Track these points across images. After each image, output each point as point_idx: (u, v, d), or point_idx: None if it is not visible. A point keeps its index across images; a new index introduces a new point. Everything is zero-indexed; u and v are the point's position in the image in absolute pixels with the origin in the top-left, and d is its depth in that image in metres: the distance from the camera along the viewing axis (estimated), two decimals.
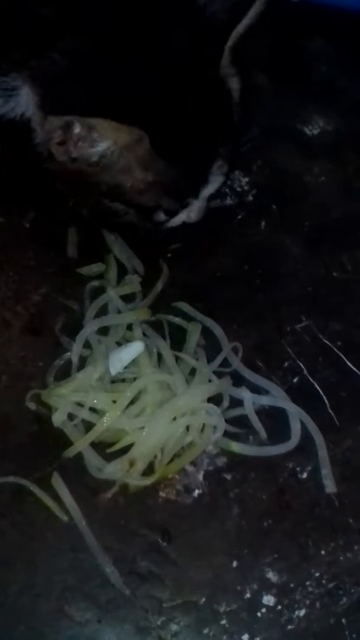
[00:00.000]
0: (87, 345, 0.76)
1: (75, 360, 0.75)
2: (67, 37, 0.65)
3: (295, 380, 0.78)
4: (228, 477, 0.73)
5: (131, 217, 0.75)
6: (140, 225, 0.76)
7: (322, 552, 0.70)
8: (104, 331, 0.77)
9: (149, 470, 0.71)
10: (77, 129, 0.63)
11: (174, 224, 0.77)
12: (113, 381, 0.74)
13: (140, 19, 0.68)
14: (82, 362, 0.75)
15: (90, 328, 0.76)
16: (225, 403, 0.74)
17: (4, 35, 0.66)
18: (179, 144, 0.68)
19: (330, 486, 0.72)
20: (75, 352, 0.75)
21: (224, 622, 0.67)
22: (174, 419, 0.71)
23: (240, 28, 0.69)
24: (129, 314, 0.78)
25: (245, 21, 0.69)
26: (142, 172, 0.68)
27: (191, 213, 0.76)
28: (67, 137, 0.64)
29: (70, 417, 0.72)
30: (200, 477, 0.72)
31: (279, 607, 0.68)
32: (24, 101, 0.67)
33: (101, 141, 0.64)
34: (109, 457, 0.71)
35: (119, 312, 0.78)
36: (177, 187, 0.72)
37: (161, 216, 0.74)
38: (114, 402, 0.72)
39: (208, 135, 0.70)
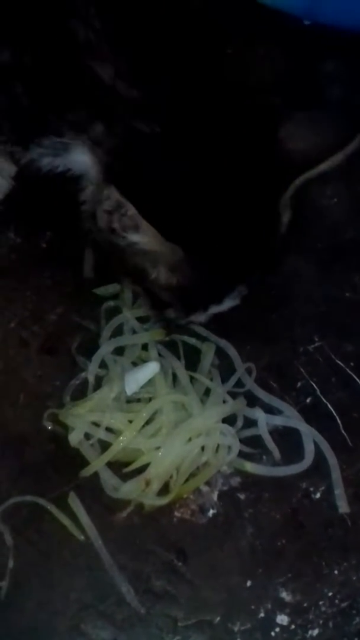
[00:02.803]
0: (103, 365, 0.77)
1: (91, 380, 0.76)
2: (138, 118, 0.66)
3: (308, 400, 0.78)
4: (242, 497, 0.73)
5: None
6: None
7: (336, 572, 0.71)
8: (119, 351, 0.78)
9: (165, 490, 0.72)
10: (128, 212, 0.63)
11: (180, 322, 0.77)
12: (129, 401, 0.75)
13: (220, 134, 0.68)
14: (98, 382, 0.76)
15: (106, 348, 0.77)
16: (240, 423, 0.75)
17: (65, 96, 0.66)
18: (214, 261, 0.68)
19: (343, 506, 0.73)
20: (91, 371, 0.76)
21: None
22: (189, 439, 0.72)
23: (312, 173, 0.69)
24: (145, 335, 0.78)
25: (321, 167, 0.69)
26: (168, 275, 0.69)
27: (199, 317, 0.76)
28: (115, 211, 0.65)
29: (87, 436, 0.73)
30: (215, 497, 0.73)
31: (293, 626, 0.69)
32: (79, 161, 0.68)
33: (141, 235, 0.65)
34: (125, 477, 0.72)
35: (135, 332, 0.79)
36: (192, 300, 0.72)
37: (171, 313, 0.74)
38: (130, 422, 0.73)
39: (245, 261, 0.70)
